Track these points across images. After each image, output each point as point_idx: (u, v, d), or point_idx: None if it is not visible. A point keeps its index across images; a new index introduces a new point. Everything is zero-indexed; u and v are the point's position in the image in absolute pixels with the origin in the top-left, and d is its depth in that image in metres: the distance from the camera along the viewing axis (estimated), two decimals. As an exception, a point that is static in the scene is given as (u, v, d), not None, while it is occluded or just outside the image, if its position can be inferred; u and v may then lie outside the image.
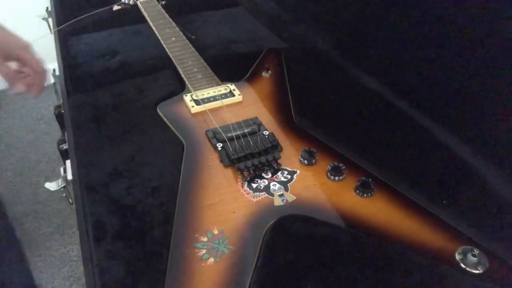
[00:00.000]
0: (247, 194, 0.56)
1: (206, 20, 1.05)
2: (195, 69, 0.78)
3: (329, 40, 0.92)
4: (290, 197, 0.55)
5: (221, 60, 0.87)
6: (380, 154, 0.64)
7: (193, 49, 0.83)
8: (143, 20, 0.98)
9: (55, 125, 0.87)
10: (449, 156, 0.64)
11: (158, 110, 0.71)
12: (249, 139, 0.62)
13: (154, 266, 0.49)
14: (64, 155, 0.75)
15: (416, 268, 0.47)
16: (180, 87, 0.77)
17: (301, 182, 0.57)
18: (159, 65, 0.85)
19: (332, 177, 0.57)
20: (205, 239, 0.50)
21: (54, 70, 0.98)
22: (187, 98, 0.72)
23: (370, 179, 0.56)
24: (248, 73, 0.80)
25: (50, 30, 1.12)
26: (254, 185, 0.57)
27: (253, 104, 0.72)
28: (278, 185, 0.57)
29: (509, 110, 0.57)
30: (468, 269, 0.46)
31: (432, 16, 0.65)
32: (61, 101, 0.81)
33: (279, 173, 0.59)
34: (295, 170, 0.59)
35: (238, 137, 0.63)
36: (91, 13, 1.02)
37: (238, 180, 0.58)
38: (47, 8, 1.16)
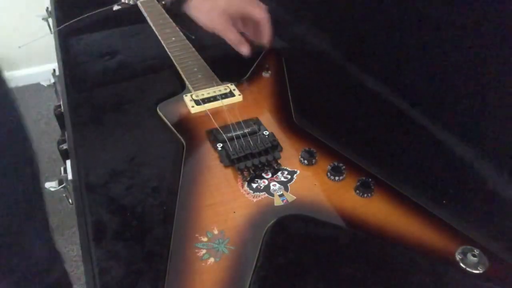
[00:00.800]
0: (247, 194, 0.56)
1: (206, 20, 1.04)
2: (195, 69, 0.78)
3: (329, 40, 0.92)
4: (290, 197, 0.55)
5: (221, 60, 0.87)
6: (380, 154, 0.64)
7: (193, 49, 0.83)
8: (143, 20, 0.98)
9: (55, 125, 0.87)
10: (449, 156, 0.64)
11: (158, 110, 0.71)
12: (249, 139, 0.62)
13: (154, 266, 0.49)
14: (64, 155, 0.75)
15: (416, 268, 0.47)
16: (180, 87, 0.77)
17: (301, 182, 0.57)
18: (159, 65, 0.85)
19: (332, 177, 0.57)
20: (205, 239, 0.50)
21: (54, 70, 0.99)
22: (187, 98, 0.72)
23: (370, 179, 0.56)
24: (248, 73, 0.80)
25: (50, 30, 1.12)
26: (254, 185, 0.57)
27: (253, 104, 0.72)
28: (278, 185, 0.57)
29: (509, 109, 0.57)
30: (468, 269, 0.46)
31: (433, 16, 0.65)
32: (61, 101, 0.81)
33: (279, 173, 0.59)
34: (295, 170, 0.59)
35: (238, 137, 0.63)
36: (91, 13, 1.02)
37: (238, 180, 0.58)
38: (47, 8, 1.16)
